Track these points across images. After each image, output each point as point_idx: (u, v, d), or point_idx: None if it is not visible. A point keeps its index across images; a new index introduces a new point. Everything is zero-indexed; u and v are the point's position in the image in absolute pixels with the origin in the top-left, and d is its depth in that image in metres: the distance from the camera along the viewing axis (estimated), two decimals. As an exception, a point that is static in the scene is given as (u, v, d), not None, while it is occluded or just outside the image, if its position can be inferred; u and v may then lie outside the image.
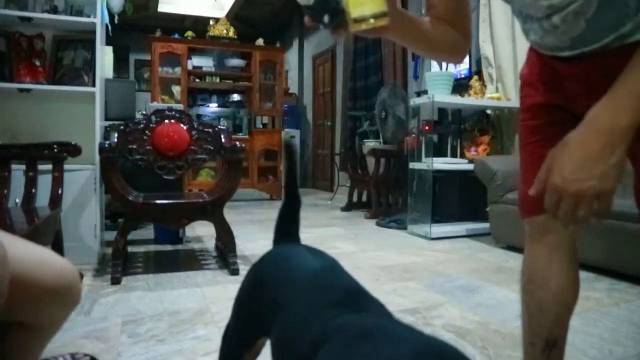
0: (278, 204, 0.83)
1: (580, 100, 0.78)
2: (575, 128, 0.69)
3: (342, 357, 0.45)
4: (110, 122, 2.46)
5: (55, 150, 1.98)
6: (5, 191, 1.90)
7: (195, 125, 2.53)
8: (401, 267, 2.58)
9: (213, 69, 5.90)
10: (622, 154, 0.64)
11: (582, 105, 0.73)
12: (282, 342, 0.60)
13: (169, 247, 3.01)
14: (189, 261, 2.68)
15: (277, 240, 0.83)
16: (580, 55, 0.77)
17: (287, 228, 0.83)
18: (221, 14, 6.99)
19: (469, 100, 3.63)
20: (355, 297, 0.59)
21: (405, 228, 3.70)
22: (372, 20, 0.66)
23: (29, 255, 0.85)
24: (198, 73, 5.81)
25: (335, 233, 3.68)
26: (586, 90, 0.78)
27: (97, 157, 2.33)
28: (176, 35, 5.74)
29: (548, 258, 0.92)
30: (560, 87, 0.86)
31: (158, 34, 5.55)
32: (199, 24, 7.18)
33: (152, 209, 2.33)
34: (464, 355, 0.42)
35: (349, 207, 5.02)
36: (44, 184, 1.99)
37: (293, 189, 0.83)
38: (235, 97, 6.25)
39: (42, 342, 0.98)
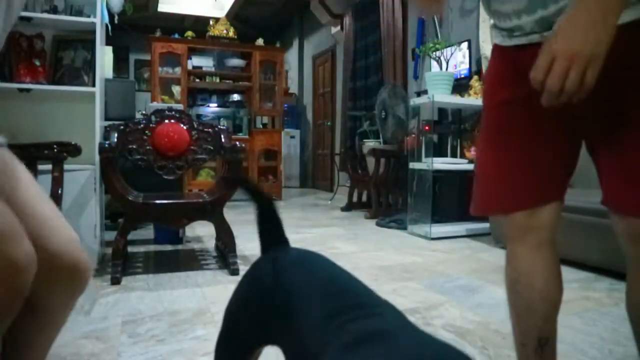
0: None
1: None
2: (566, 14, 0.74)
3: (359, 357, 0.45)
4: (110, 122, 2.46)
5: (55, 150, 1.97)
6: (5, 191, 1.89)
7: (195, 125, 2.53)
8: (401, 267, 2.58)
9: (213, 69, 5.90)
10: (614, 23, 0.69)
11: None
12: (296, 348, 0.58)
13: (169, 247, 3.01)
14: (189, 261, 2.68)
15: (265, 247, 0.77)
16: (540, 25, 0.80)
17: (272, 231, 0.78)
18: (221, 14, 7.00)
19: (469, 100, 3.63)
20: (366, 300, 0.58)
21: (405, 228, 3.70)
22: None
23: (47, 214, 0.93)
24: (198, 73, 5.81)
25: (335, 233, 3.68)
26: None
27: (97, 157, 2.32)
28: (176, 35, 5.74)
29: (531, 257, 0.93)
30: (525, 80, 0.86)
31: (158, 34, 5.55)
32: (199, 24, 7.19)
33: (152, 209, 2.33)
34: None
35: (349, 207, 5.02)
36: (44, 184, 1.96)
37: (259, 193, 0.79)
38: (235, 97, 6.25)
39: (51, 331, 0.99)
